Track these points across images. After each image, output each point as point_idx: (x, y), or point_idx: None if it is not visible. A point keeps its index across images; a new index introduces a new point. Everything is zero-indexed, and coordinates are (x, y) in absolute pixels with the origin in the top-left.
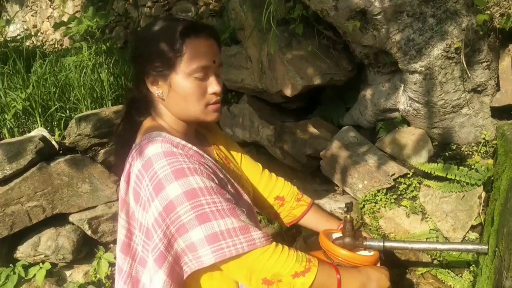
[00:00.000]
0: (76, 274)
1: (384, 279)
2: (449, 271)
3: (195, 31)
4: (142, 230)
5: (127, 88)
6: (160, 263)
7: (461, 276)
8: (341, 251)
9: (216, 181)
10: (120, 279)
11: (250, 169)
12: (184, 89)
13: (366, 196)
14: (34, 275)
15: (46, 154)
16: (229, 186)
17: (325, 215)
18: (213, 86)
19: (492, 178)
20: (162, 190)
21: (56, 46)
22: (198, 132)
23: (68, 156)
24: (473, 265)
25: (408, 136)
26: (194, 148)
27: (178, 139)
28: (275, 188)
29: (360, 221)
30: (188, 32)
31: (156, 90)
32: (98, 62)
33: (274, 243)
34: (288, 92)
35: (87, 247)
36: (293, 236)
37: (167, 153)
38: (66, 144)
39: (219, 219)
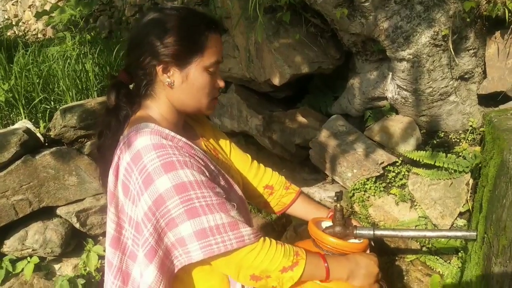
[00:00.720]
0: (65, 268)
1: (373, 265)
2: (438, 257)
3: (216, 26)
4: (132, 224)
5: (111, 75)
6: (151, 257)
7: (449, 263)
8: (330, 239)
9: (207, 174)
10: (110, 273)
11: (240, 159)
12: (200, 81)
13: (355, 184)
14: (22, 270)
15: (31, 146)
16: (220, 178)
17: (314, 203)
18: (220, 82)
19: (480, 165)
20: (152, 183)
21: (38, 36)
22: (186, 123)
23: (54, 148)
24: (461, 251)
25: (397, 124)
26: (184, 139)
27: (167, 130)
28: (264, 178)
29: (350, 209)
30: (211, 26)
31: (167, 78)
32: (82, 52)
33: (262, 238)
34: (276, 81)
35: (76, 240)
36: (283, 225)
37: (157, 145)
38: (52, 136)
39: (208, 214)
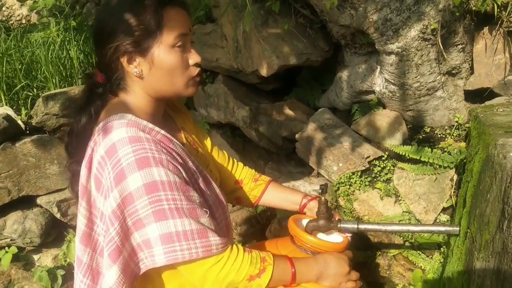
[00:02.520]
0: (45, 258)
1: (342, 265)
2: (420, 252)
3: (170, 2)
4: (104, 219)
5: (87, 74)
6: (115, 257)
7: (431, 258)
8: (309, 238)
9: (183, 173)
10: (79, 271)
11: (219, 156)
12: (168, 62)
13: (340, 178)
14: (0, 260)
15: (11, 134)
16: (198, 174)
17: (286, 190)
18: (194, 57)
19: (464, 160)
20: (124, 179)
21: (23, 21)
22: (166, 114)
23: (35, 136)
24: (443, 246)
25: (383, 118)
26: (162, 131)
27: (145, 122)
28: (236, 173)
29: (335, 203)
30: (164, 3)
31: (134, 68)
32: (67, 38)
33: (229, 248)
34: (263, 71)
35: (56, 230)
36: (268, 218)
37: (133, 138)
38: (33, 124)
39: (176, 218)
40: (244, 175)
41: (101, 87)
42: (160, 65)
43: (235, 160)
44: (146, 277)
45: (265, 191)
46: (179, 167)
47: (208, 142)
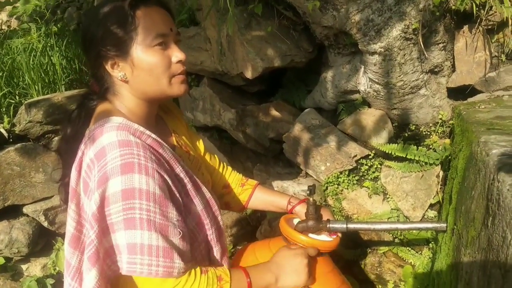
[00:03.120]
0: (34, 268)
1: (300, 259)
2: (410, 249)
3: (143, 1)
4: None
5: (85, 84)
6: (94, 261)
7: (421, 254)
8: (300, 237)
9: (170, 182)
10: (68, 274)
11: (210, 158)
12: (148, 62)
13: (328, 178)
14: None
15: None
16: (187, 179)
17: (273, 194)
18: (177, 54)
19: (449, 157)
20: (106, 183)
21: (3, 27)
22: (158, 117)
23: (19, 144)
24: (432, 242)
25: (369, 117)
26: (153, 135)
27: (136, 125)
28: (223, 177)
29: (323, 203)
30: (137, 3)
31: (118, 72)
32: (49, 44)
33: (187, 272)
34: (248, 74)
35: (44, 239)
36: (258, 219)
37: (122, 142)
38: (16, 132)
39: (145, 230)
40: (232, 179)
41: (95, 94)
42: (140, 66)
43: (225, 164)
44: (121, 280)
45: (252, 196)
46: (165, 175)
47: (200, 145)
